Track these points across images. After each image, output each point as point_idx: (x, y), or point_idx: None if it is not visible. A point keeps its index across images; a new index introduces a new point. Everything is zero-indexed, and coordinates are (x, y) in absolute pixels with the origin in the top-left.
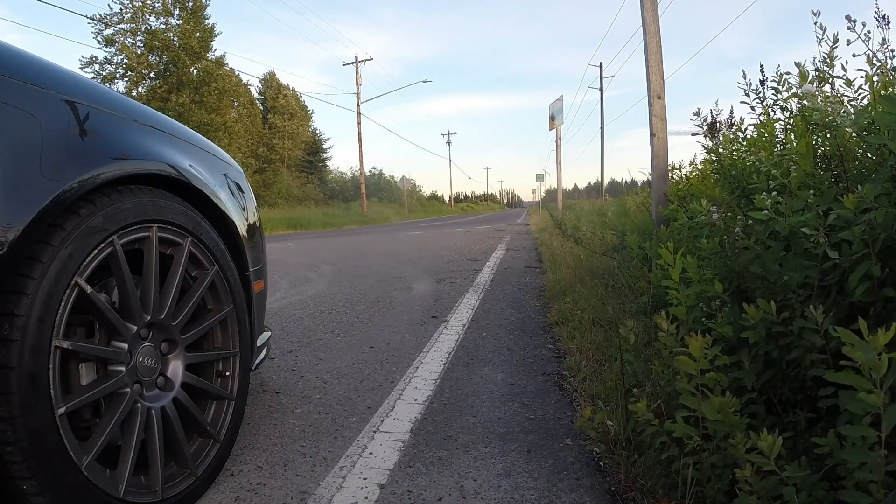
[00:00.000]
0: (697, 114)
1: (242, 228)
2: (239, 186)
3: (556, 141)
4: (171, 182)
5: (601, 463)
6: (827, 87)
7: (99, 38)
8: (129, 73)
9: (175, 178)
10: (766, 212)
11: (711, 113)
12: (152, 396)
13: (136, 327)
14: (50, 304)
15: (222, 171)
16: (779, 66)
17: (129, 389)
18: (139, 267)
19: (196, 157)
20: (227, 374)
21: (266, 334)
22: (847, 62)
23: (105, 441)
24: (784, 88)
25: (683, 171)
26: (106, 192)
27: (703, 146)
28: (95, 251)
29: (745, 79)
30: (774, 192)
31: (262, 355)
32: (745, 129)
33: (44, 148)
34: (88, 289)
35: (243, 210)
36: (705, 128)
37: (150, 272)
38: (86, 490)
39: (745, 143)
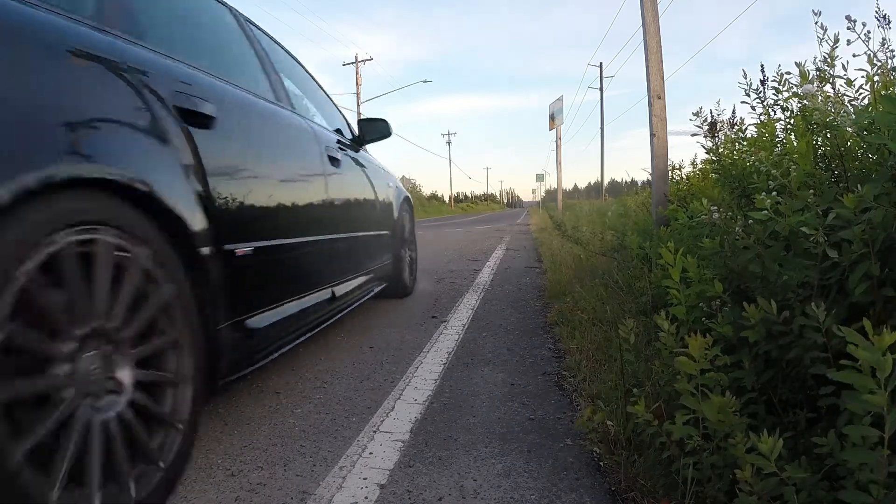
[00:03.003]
0: (697, 114)
1: (411, 215)
2: (409, 199)
3: (556, 141)
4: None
5: (601, 463)
6: (827, 87)
7: None
8: None
9: (407, 197)
10: (766, 212)
11: (711, 113)
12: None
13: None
14: None
15: (404, 191)
16: (779, 65)
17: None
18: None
19: (397, 182)
20: (407, 254)
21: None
22: (847, 62)
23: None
24: (784, 88)
25: (684, 171)
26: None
27: (703, 146)
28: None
29: (745, 79)
30: (774, 192)
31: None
32: (745, 129)
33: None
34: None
35: (411, 207)
36: (705, 128)
37: (404, 227)
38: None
39: (745, 143)
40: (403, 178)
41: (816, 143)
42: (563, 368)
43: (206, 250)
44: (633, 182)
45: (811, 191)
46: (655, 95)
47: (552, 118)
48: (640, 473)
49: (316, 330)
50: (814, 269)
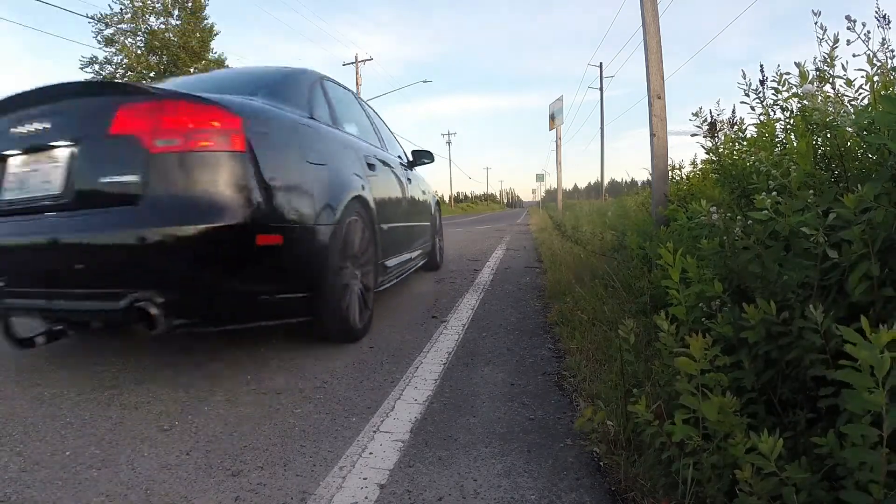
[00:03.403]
0: (697, 114)
1: (440, 212)
2: (439, 202)
3: (556, 141)
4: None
5: (601, 463)
6: (827, 87)
7: (99, 38)
8: (130, 73)
9: (438, 201)
10: (766, 212)
11: (711, 113)
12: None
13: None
14: None
15: (435, 196)
16: (779, 65)
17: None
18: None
19: (432, 189)
20: (438, 240)
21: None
22: (847, 62)
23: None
24: (784, 88)
25: (684, 171)
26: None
27: (703, 147)
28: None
29: (744, 79)
30: (774, 192)
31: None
32: (745, 129)
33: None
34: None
35: (440, 208)
36: (705, 128)
37: (437, 220)
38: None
39: (745, 143)
40: None
41: (816, 143)
42: (563, 368)
43: (376, 226)
44: (633, 182)
45: (811, 191)
46: (655, 95)
47: (552, 118)
48: (640, 473)
49: (402, 276)
50: (814, 270)
